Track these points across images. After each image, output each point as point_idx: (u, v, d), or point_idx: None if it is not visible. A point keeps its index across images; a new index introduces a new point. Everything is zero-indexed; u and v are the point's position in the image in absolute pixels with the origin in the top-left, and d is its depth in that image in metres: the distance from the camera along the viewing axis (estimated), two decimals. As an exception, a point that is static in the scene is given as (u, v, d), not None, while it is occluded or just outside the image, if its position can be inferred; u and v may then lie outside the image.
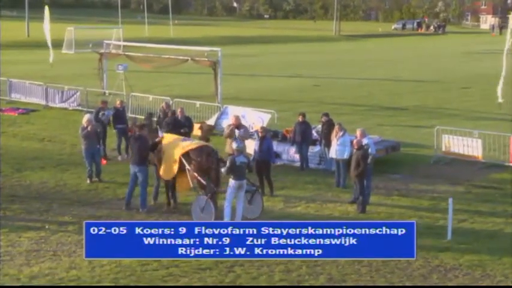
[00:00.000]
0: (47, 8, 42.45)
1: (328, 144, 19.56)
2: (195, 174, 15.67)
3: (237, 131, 18.44)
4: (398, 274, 12.82)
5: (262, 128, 18.86)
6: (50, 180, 18.72)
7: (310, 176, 19.66)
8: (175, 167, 16.01)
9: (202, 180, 15.61)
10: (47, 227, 14.92)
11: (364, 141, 17.07)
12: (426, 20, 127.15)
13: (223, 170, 15.31)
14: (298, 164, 20.59)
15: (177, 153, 15.90)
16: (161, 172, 16.27)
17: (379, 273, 12.79)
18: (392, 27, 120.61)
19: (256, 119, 24.23)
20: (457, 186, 18.88)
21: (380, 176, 19.08)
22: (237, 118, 19.14)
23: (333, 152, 18.65)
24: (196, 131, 23.39)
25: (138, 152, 16.18)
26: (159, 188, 16.87)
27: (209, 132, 23.66)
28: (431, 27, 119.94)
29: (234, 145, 15.88)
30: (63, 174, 19.29)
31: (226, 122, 23.08)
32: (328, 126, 19.97)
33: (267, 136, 18.34)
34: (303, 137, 20.26)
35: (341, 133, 18.48)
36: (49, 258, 13.27)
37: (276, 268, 12.85)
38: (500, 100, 29.72)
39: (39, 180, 18.73)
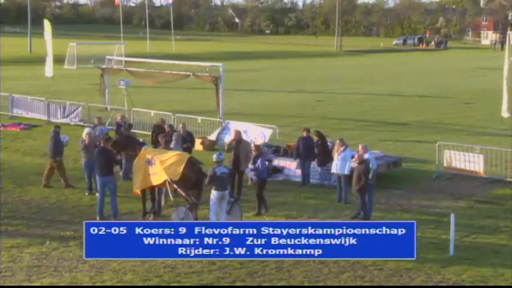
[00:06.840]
0: (45, 21, 42.60)
1: (324, 161, 19.71)
2: (175, 185, 15.71)
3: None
4: (401, 290, 12.76)
5: (255, 146, 18.30)
6: (51, 196, 18.70)
7: (311, 192, 19.62)
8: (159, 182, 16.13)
9: (181, 192, 15.66)
10: (48, 242, 14.87)
11: (365, 156, 17.06)
12: (427, 35, 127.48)
13: (205, 181, 15.44)
14: (299, 179, 20.54)
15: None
16: (139, 184, 16.41)
17: (381, 289, 12.73)
18: (393, 43, 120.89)
19: (258, 134, 24.19)
20: (459, 202, 18.83)
21: (382, 191, 19.05)
22: (237, 133, 19.07)
23: (334, 167, 18.65)
24: (198, 146, 23.40)
25: (105, 164, 16.70)
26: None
27: (210, 147, 23.65)
28: (432, 43, 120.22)
29: (214, 156, 15.89)
30: (64, 190, 19.26)
31: (228, 137, 23.06)
32: (323, 142, 20.06)
33: (260, 154, 17.75)
34: (307, 152, 20.21)
35: (342, 148, 18.48)
36: (50, 274, 13.21)
37: (278, 283, 12.80)
38: (506, 114, 29.55)
39: (40, 196, 18.70)
